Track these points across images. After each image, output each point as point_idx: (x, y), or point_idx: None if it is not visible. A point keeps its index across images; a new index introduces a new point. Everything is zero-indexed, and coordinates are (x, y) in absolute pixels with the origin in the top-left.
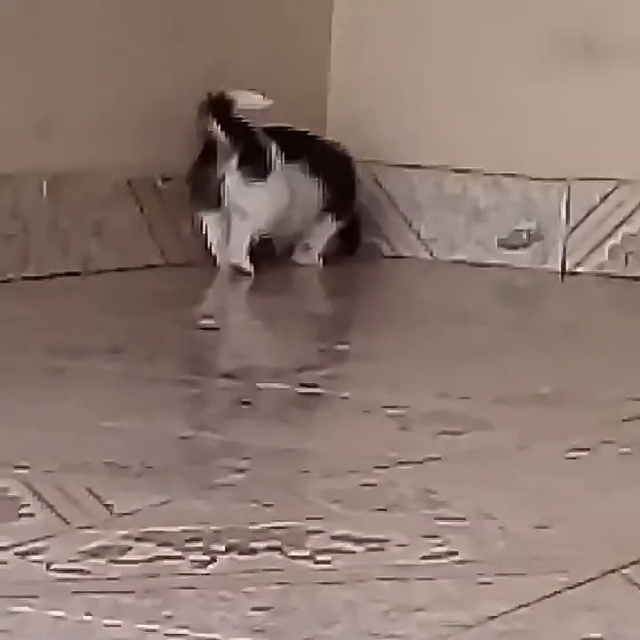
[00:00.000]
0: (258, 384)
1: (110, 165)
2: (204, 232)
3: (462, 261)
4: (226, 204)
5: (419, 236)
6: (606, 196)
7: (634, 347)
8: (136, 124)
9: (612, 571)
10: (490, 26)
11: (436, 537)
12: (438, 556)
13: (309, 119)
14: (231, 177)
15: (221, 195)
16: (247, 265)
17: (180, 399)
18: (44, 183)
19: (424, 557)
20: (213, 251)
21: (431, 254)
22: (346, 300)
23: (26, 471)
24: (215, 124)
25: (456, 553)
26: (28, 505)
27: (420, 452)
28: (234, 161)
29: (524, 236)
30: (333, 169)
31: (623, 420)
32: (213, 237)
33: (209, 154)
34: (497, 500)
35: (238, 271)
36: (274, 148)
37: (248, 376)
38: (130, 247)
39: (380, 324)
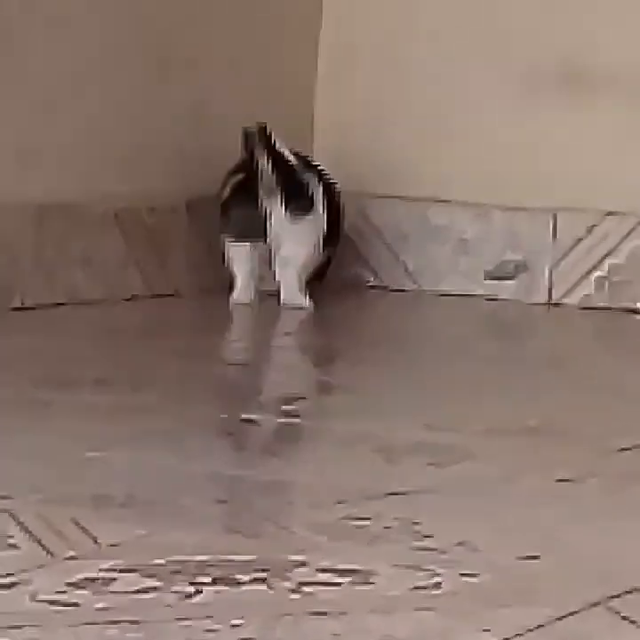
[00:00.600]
0: (243, 415)
1: (96, 196)
2: (230, 260)
3: (448, 293)
4: (269, 240)
5: (405, 267)
6: (592, 228)
7: (620, 379)
8: (122, 156)
9: (598, 603)
10: (474, 57)
11: (421, 569)
12: (424, 588)
13: (296, 150)
14: (276, 214)
15: (263, 227)
16: (306, 301)
17: (164, 430)
18: (30, 214)
19: (410, 589)
20: (240, 280)
21: (417, 285)
22: (331, 332)
23: (10, 502)
24: (264, 153)
25: (441, 585)
26: (13, 536)
27: (406, 484)
28: (279, 196)
29: (511, 267)
30: (329, 198)
31: (609, 453)
32: (243, 267)
33: (247, 186)
34: (483, 532)
35: (295, 308)
36: (315, 180)
37: (233, 407)
38: (115, 278)
39: (365, 356)
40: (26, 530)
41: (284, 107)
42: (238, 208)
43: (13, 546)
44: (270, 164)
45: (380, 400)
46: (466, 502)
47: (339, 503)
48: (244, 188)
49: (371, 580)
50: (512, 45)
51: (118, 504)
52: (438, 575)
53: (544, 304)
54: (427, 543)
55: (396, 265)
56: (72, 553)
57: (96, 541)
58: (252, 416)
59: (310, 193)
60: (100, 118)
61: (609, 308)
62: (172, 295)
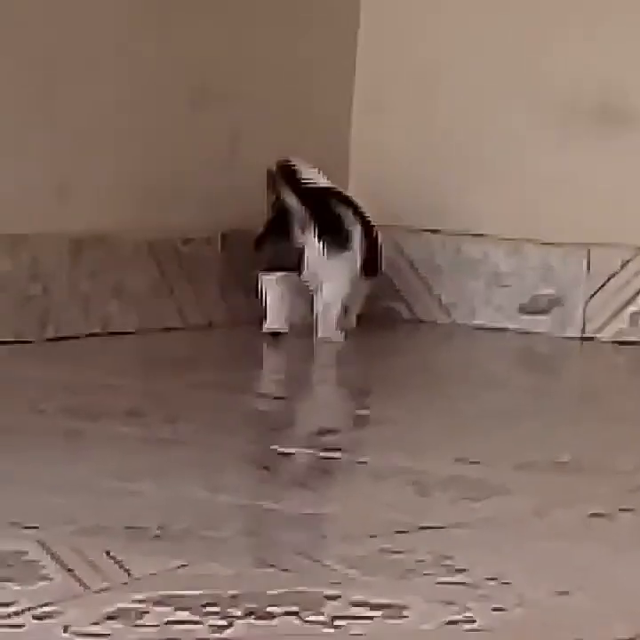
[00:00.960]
0: (276, 447)
1: (131, 227)
2: (263, 292)
3: (482, 326)
4: (305, 273)
5: (439, 300)
6: (626, 263)
7: None
8: (157, 188)
9: (630, 639)
10: (510, 90)
11: (453, 604)
12: (456, 623)
13: (331, 179)
14: (311, 249)
15: (298, 260)
16: (340, 336)
17: (198, 462)
18: (65, 245)
19: (442, 624)
20: (272, 310)
21: (451, 319)
22: (365, 365)
23: (43, 534)
24: (289, 191)
25: (474, 620)
26: (46, 568)
27: (438, 518)
28: (313, 232)
29: (544, 301)
30: (366, 234)
31: None
32: (275, 297)
33: (281, 222)
34: (515, 567)
35: (329, 342)
36: (349, 214)
37: (266, 439)
38: (150, 309)
39: (398, 389)
40: (59, 561)
41: (320, 140)
42: (272, 243)
43: (46, 577)
44: (298, 201)
45: (414, 433)
46: (498, 537)
47: (371, 536)
48: (279, 225)
49: (403, 614)
50: (547, 79)
51: (151, 536)
52: (470, 610)
53: (578, 338)
54: (459, 578)
55: (430, 298)
56: (105, 585)
57: (129, 573)
58: (286, 449)
59: (346, 228)
60: (135, 151)
61: None
62: (207, 326)
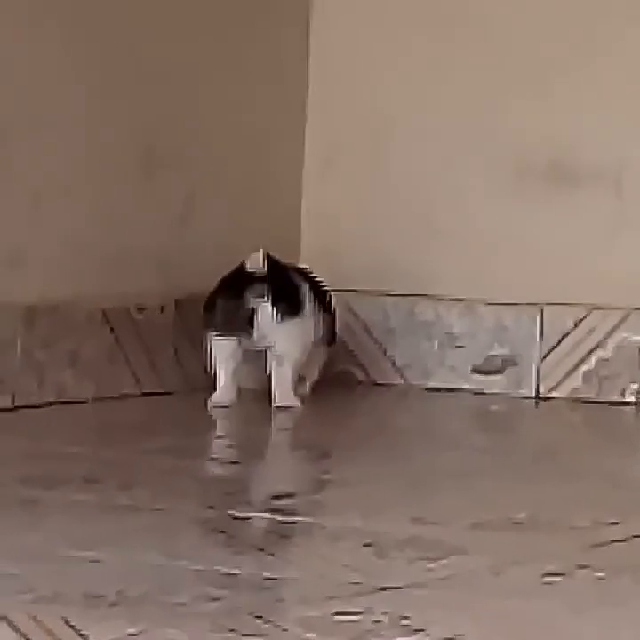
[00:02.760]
0: (232, 512)
1: (84, 296)
2: (213, 357)
3: (436, 387)
4: (254, 337)
5: (393, 362)
6: (580, 321)
7: (608, 471)
8: (110, 255)
9: None
10: (460, 153)
11: None
12: None
13: (283, 247)
14: (264, 311)
15: (249, 325)
16: (297, 402)
17: (154, 528)
18: (19, 314)
19: None
20: (222, 379)
21: (405, 381)
22: (321, 428)
23: (0, 602)
24: (262, 261)
25: None
26: (3, 637)
27: (395, 579)
28: (268, 296)
29: (498, 361)
30: (324, 299)
31: (598, 545)
32: (226, 365)
33: (236, 282)
34: (472, 626)
35: (284, 409)
36: (306, 287)
37: (223, 504)
38: (105, 377)
39: (354, 451)
40: (16, 629)
41: (272, 202)
42: (223, 302)
43: None
44: (265, 268)
45: (371, 494)
46: (455, 596)
47: (329, 598)
48: (230, 285)
49: None
50: (498, 142)
51: (109, 603)
52: None
53: (532, 398)
54: (417, 638)
55: (384, 360)
56: None
57: None
58: (242, 513)
59: (300, 296)
60: (87, 218)
61: (597, 402)
62: (162, 393)
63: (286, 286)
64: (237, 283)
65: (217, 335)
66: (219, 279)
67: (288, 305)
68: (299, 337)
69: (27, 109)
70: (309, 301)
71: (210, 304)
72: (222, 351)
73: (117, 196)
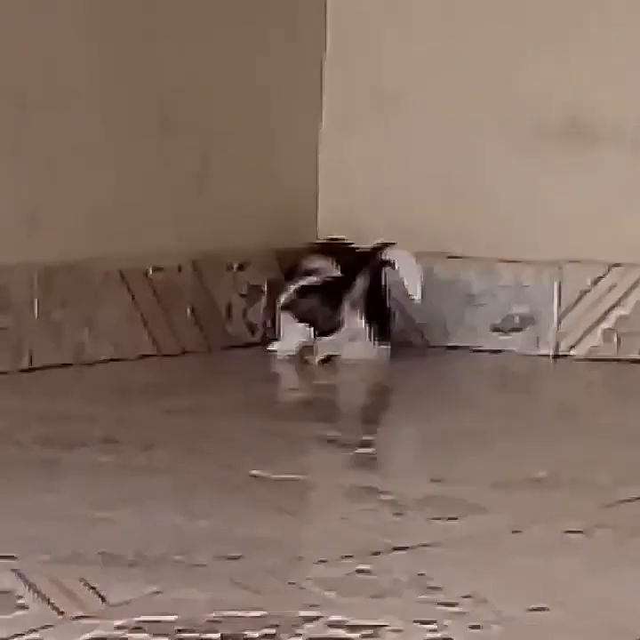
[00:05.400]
0: (251, 471)
1: (102, 256)
2: (281, 326)
3: (455, 347)
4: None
5: (412, 322)
6: (598, 280)
7: (627, 429)
8: (126, 215)
9: None
10: (476, 112)
11: (431, 622)
12: None
13: (299, 208)
14: (354, 321)
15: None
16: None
17: (173, 488)
18: (36, 275)
19: None
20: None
21: (424, 340)
22: (338, 387)
23: (19, 563)
24: (368, 279)
25: (452, 638)
26: (22, 597)
27: (414, 538)
28: (361, 312)
29: (517, 320)
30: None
31: (617, 503)
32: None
33: (336, 288)
34: (492, 585)
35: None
36: (396, 313)
37: (240, 464)
38: (122, 338)
39: (373, 411)
40: (35, 590)
41: (290, 163)
42: (317, 302)
43: (23, 606)
44: (366, 288)
45: (388, 454)
46: (474, 555)
47: (347, 558)
48: (330, 289)
49: (381, 634)
50: (516, 99)
51: (127, 563)
52: (448, 628)
53: (551, 356)
54: (436, 596)
55: (403, 320)
56: (81, 612)
57: (105, 600)
58: (261, 473)
59: (392, 324)
60: (104, 179)
61: (616, 360)
62: (180, 353)
63: (380, 309)
64: (336, 289)
65: (296, 320)
66: (319, 270)
67: (380, 328)
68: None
69: (42, 72)
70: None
71: (297, 289)
72: (293, 329)
73: (134, 157)
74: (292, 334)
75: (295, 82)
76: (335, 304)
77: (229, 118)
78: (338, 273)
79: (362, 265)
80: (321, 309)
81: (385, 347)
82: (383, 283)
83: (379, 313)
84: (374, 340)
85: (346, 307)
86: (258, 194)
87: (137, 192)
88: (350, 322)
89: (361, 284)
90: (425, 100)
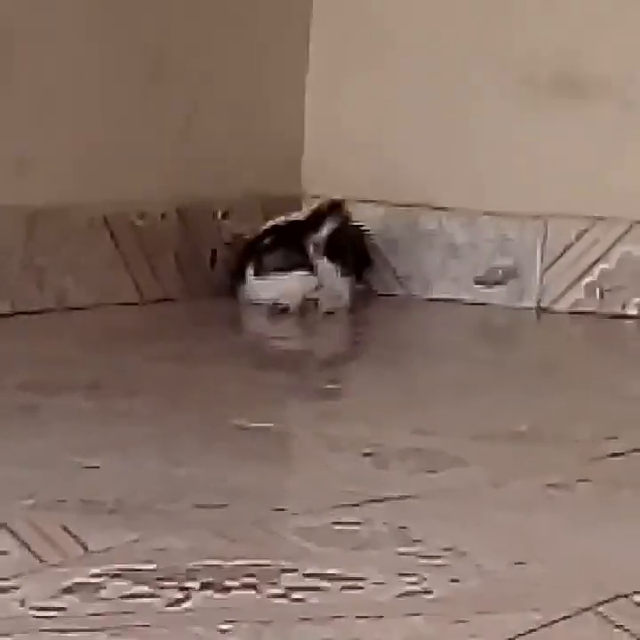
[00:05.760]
0: (233, 420)
1: (86, 202)
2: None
3: (438, 298)
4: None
5: (394, 272)
6: (582, 234)
7: (610, 384)
8: (113, 161)
9: (588, 608)
10: (466, 62)
11: (411, 575)
12: (413, 594)
13: (286, 158)
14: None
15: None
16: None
17: (155, 436)
18: (21, 219)
19: (399, 595)
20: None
21: (406, 291)
22: (319, 338)
23: (0, 509)
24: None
25: (431, 591)
26: (2, 542)
27: (394, 490)
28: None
29: (500, 272)
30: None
31: (599, 458)
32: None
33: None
34: (472, 538)
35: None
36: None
37: (223, 414)
38: (105, 284)
39: (353, 361)
40: (15, 535)
41: (276, 110)
42: (287, 253)
43: (3, 552)
44: (332, 231)
45: (370, 405)
46: (455, 508)
47: (328, 509)
48: (283, 235)
49: (360, 586)
50: (505, 49)
51: (108, 510)
52: (427, 580)
53: (534, 309)
54: (416, 549)
55: (385, 270)
56: (61, 559)
57: (85, 547)
58: (243, 422)
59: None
60: (92, 124)
61: (599, 314)
62: (163, 300)
63: (347, 251)
64: (300, 229)
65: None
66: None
67: (348, 270)
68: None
69: (31, 13)
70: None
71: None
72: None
73: (122, 103)
74: (271, 283)
75: (283, 28)
76: (297, 243)
77: (217, 65)
78: (303, 216)
79: (331, 212)
80: (280, 248)
81: (358, 287)
82: (353, 229)
83: (345, 255)
84: (340, 276)
85: (310, 248)
86: (244, 142)
87: (124, 138)
88: (315, 262)
89: (327, 226)
90: (413, 50)
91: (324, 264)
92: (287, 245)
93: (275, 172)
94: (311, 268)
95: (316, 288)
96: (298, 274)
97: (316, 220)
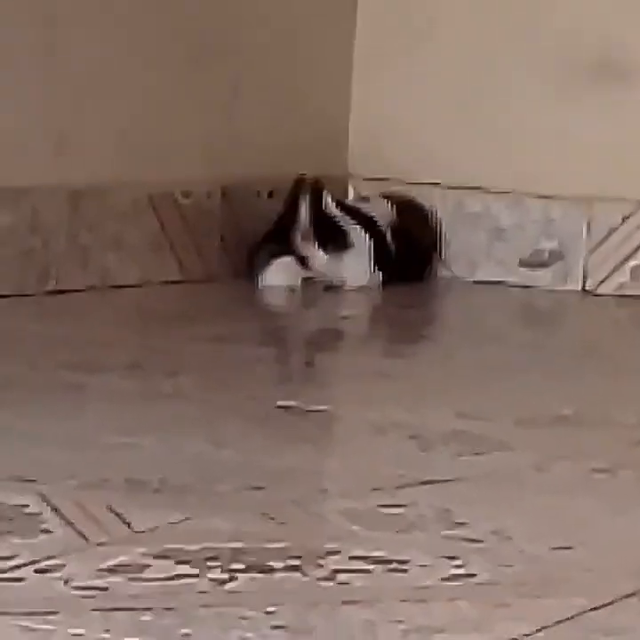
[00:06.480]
0: (278, 402)
1: (131, 180)
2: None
3: (483, 281)
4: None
5: (440, 254)
6: (627, 217)
7: None
8: (157, 140)
9: (632, 594)
10: (508, 46)
11: (455, 558)
12: (457, 577)
13: (331, 140)
14: (313, 253)
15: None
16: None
17: (198, 417)
18: (65, 198)
19: (443, 579)
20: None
21: (452, 273)
22: (364, 321)
23: (44, 487)
24: (308, 205)
25: (475, 574)
26: (47, 521)
27: (439, 473)
28: (314, 239)
29: (546, 255)
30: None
31: None
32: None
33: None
34: (516, 522)
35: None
36: (348, 220)
37: (267, 395)
38: (149, 262)
39: (399, 343)
40: (60, 514)
41: (321, 92)
42: (271, 248)
43: (48, 531)
44: (310, 214)
45: (415, 388)
46: (499, 491)
47: (373, 491)
48: (276, 235)
49: (404, 569)
50: (548, 34)
51: (152, 489)
52: (471, 564)
53: (578, 292)
54: (460, 532)
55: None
56: (106, 538)
57: (130, 527)
58: (287, 402)
59: (345, 233)
60: (136, 104)
61: None
62: (206, 280)
63: (332, 229)
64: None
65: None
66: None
67: (335, 244)
68: (356, 265)
69: (81, 5)
70: (356, 235)
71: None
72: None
73: (165, 82)
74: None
75: (328, 10)
76: (283, 233)
77: (261, 45)
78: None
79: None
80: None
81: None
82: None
83: (333, 235)
84: (322, 249)
85: (297, 239)
86: (288, 122)
87: (167, 117)
88: (306, 251)
89: (303, 212)
90: (457, 34)
91: (313, 250)
92: (275, 238)
93: (319, 152)
94: (298, 256)
95: (308, 275)
96: (284, 261)
97: (291, 205)
